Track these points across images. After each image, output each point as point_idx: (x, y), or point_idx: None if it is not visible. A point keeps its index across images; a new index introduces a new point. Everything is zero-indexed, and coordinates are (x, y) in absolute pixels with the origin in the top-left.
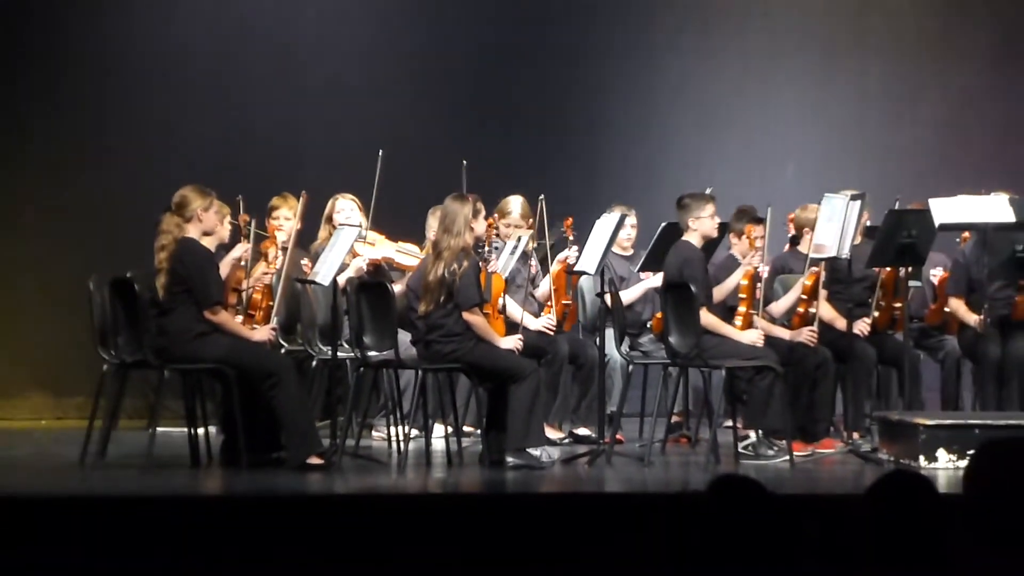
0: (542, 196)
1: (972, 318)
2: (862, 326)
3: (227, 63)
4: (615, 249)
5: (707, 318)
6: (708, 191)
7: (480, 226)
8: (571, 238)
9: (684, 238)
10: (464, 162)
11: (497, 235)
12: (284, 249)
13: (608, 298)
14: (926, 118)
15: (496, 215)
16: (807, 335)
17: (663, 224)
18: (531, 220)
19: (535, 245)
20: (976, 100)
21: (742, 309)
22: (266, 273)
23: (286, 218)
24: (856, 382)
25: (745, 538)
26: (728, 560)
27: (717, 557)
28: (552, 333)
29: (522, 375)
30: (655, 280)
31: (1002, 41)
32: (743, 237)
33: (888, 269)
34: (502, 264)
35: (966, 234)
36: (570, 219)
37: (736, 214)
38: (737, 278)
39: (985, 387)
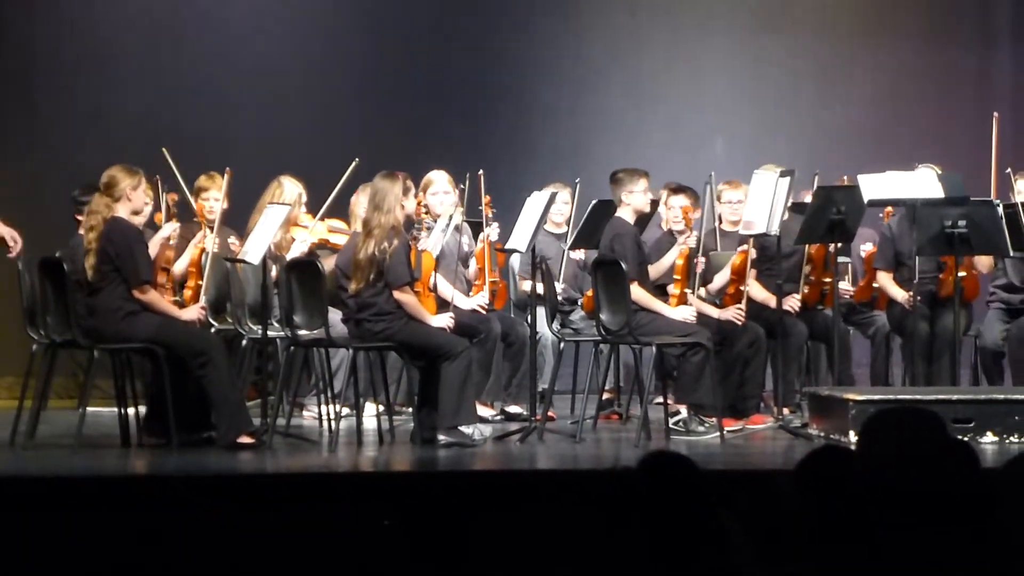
0: (481, 171)
1: (899, 293)
2: (793, 302)
3: (157, 44)
4: (549, 227)
5: (639, 293)
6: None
7: (410, 204)
8: (490, 215)
9: (617, 214)
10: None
11: (426, 213)
12: (211, 228)
13: (539, 276)
14: (857, 96)
15: (421, 192)
16: (734, 313)
17: (594, 202)
18: (458, 189)
19: (463, 219)
20: (907, 78)
21: (676, 290)
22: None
23: (215, 199)
24: (786, 358)
25: (675, 514)
26: (659, 536)
27: (648, 533)
28: (484, 312)
29: (453, 353)
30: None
31: (932, 19)
32: (670, 208)
33: (817, 244)
34: (432, 242)
35: (889, 209)
36: (488, 198)
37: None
38: (672, 257)
39: (914, 362)
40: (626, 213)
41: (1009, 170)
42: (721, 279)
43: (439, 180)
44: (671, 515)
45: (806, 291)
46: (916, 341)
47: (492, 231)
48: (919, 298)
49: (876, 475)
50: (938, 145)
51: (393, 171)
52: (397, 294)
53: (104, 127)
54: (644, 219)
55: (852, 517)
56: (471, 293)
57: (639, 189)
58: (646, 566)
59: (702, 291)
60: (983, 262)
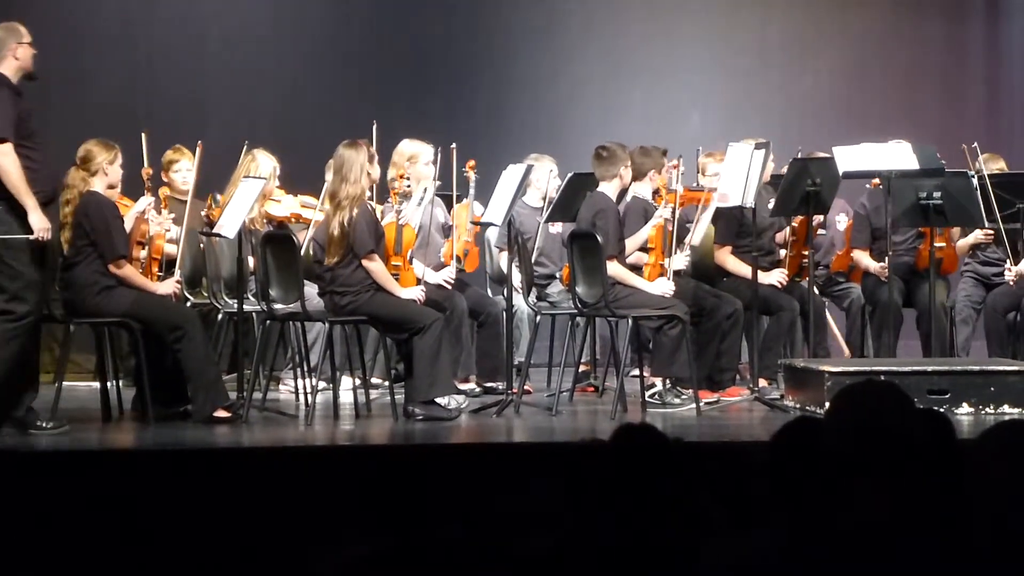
0: (453, 144)
1: (872, 264)
2: (779, 276)
3: (132, 16)
4: (529, 200)
5: (616, 269)
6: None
7: (375, 171)
8: (472, 179)
9: (600, 189)
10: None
11: (408, 184)
12: (183, 202)
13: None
14: (828, 66)
15: (408, 162)
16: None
17: (570, 174)
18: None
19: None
20: (877, 47)
21: (651, 259)
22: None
23: (187, 170)
24: (777, 333)
25: (646, 486)
26: (630, 508)
27: (618, 505)
28: (450, 286)
29: (422, 325)
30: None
31: None
32: (654, 176)
33: (801, 216)
34: (409, 213)
35: (876, 180)
36: (472, 161)
37: (640, 152)
38: (647, 231)
39: (884, 333)
40: (610, 189)
41: (976, 145)
42: (699, 235)
43: (427, 151)
44: (642, 486)
45: (787, 263)
46: (888, 313)
47: (474, 204)
48: (891, 267)
49: (842, 446)
50: (909, 114)
51: (355, 140)
52: (365, 263)
53: (78, 99)
54: (621, 192)
55: (821, 486)
56: (442, 265)
57: (627, 166)
58: (618, 536)
59: (680, 262)
60: (961, 246)
